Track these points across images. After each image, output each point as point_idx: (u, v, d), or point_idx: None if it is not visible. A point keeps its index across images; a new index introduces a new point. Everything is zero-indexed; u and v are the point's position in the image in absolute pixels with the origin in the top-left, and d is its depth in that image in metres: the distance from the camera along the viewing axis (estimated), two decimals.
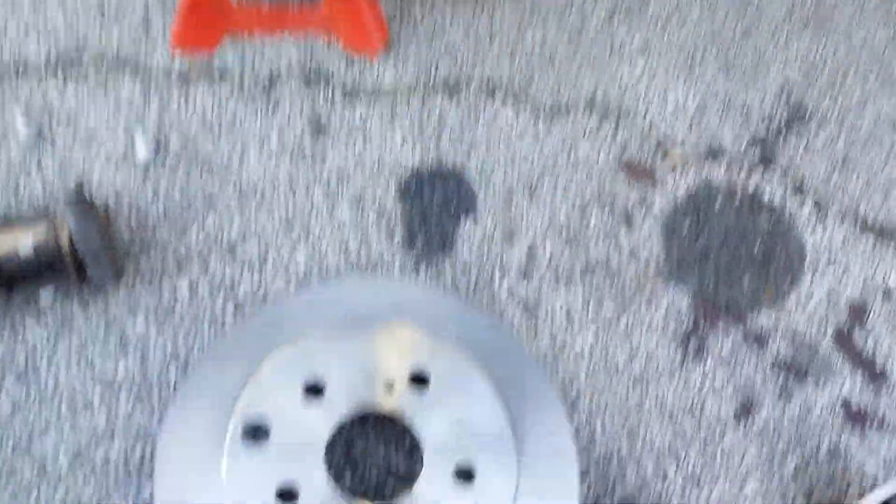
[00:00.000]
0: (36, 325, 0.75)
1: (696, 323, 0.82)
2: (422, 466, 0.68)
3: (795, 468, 0.78)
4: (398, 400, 0.70)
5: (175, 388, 0.74)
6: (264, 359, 0.71)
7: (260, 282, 0.79)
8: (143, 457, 0.72)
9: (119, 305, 0.76)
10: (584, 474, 0.75)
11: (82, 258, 0.72)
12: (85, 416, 0.72)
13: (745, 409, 0.79)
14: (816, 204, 0.89)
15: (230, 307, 0.78)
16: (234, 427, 0.68)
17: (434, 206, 0.85)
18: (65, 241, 0.72)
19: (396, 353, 0.71)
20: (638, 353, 0.80)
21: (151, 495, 0.70)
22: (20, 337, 0.74)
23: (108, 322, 0.75)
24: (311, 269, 0.80)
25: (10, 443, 0.71)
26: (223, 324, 0.77)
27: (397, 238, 0.83)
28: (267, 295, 0.79)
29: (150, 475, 0.71)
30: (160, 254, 0.79)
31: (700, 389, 0.79)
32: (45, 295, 0.74)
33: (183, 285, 0.78)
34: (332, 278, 0.80)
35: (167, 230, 0.80)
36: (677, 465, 0.76)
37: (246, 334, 0.74)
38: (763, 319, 0.83)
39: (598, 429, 0.77)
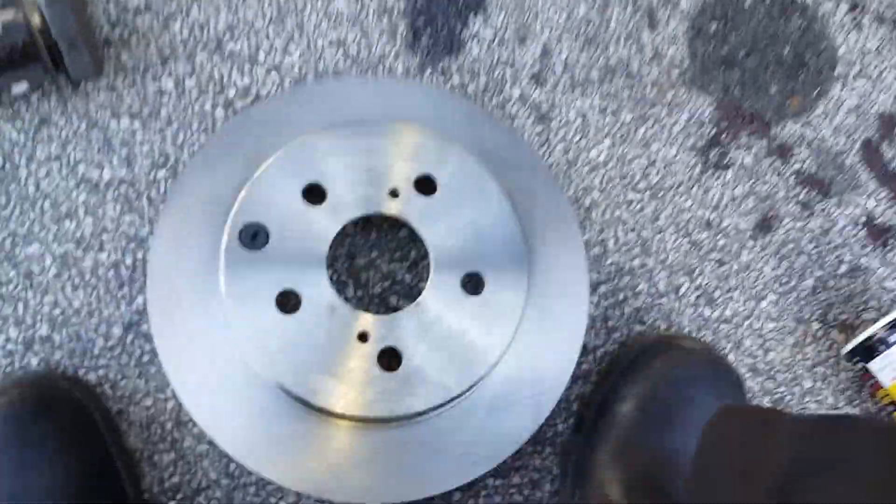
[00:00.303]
0: (11, 126, 0.69)
1: (717, 133, 0.77)
2: (427, 277, 0.65)
3: (813, 285, 0.75)
4: (403, 205, 0.66)
5: (165, 194, 0.69)
6: (261, 160, 0.66)
7: (251, 81, 0.73)
8: (134, 265, 0.68)
9: (100, 104, 0.70)
10: (594, 287, 0.72)
11: (58, 45, 0.65)
12: (70, 223, 0.68)
13: (764, 224, 0.76)
14: (852, 5, 0.82)
15: (220, 107, 0.72)
16: (232, 231, 0.64)
17: (440, 2, 0.77)
18: (37, 23, 0.65)
19: (401, 155, 0.67)
20: (655, 164, 0.76)
21: (144, 305, 0.67)
22: None
23: (89, 122, 0.70)
24: (305, 68, 0.74)
25: None
26: (213, 125, 0.71)
27: (400, 37, 0.76)
28: (259, 95, 0.73)
29: (143, 284, 0.68)
30: (142, 48, 0.72)
31: (718, 202, 0.76)
32: (18, 89, 0.67)
33: (168, 83, 0.72)
34: (330, 77, 0.74)
35: (148, 22, 0.73)
36: (691, 280, 0.74)
37: (238, 135, 0.69)
38: (788, 130, 0.78)
39: (611, 242, 0.74)
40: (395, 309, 0.69)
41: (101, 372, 0.66)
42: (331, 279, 0.64)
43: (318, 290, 0.63)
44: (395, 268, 0.71)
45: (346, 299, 0.69)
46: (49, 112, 0.69)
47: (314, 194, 0.65)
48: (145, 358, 0.67)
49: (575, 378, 0.69)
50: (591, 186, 0.75)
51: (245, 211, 0.64)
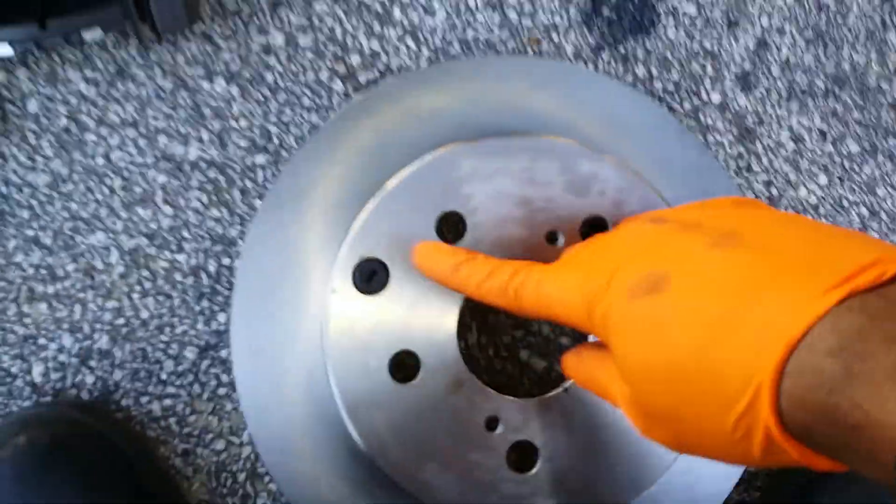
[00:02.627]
0: (80, 75, 0.55)
1: None
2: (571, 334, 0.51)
3: None
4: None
5: (263, 187, 0.55)
6: (386, 167, 0.52)
7: (380, 46, 0.57)
8: (218, 274, 0.55)
9: (191, 58, 0.55)
10: None
11: None
12: (145, 210, 0.55)
13: None
14: None
15: (338, 80, 0.57)
16: (345, 265, 0.50)
17: None
18: None
19: (569, 186, 0.51)
20: (879, 216, 0.59)
21: (227, 326, 0.55)
22: (61, 90, 0.54)
23: (175, 80, 0.55)
24: (450, 35, 0.58)
25: (50, 233, 0.54)
26: (330, 102, 0.56)
27: (575, 8, 0.59)
28: (389, 68, 0.57)
29: (227, 300, 0.55)
30: None
31: None
32: (90, 35, 0.52)
33: (278, 38, 0.56)
34: (479, 55, 0.58)
35: None
36: None
37: (359, 124, 0.54)
38: None
39: None
40: (526, 365, 0.56)
41: (167, 402, 0.55)
42: (458, 339, 0.51)
43: (442, 356, 0.50)
44: (538, 330, 0.57)
45: (476, 370, 0.55)
46: (128, 61, 0.55)
47: (450, 228, 0.51)
48: (221, 391, 0.55)
49: (738, 481, 0.56)
50: None
51: (362, 242, 0.50)
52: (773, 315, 0.29)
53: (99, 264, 0.54)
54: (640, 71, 0.59)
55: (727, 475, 0.53)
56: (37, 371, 0.54)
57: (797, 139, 0.59)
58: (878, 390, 0.26)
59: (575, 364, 0.45)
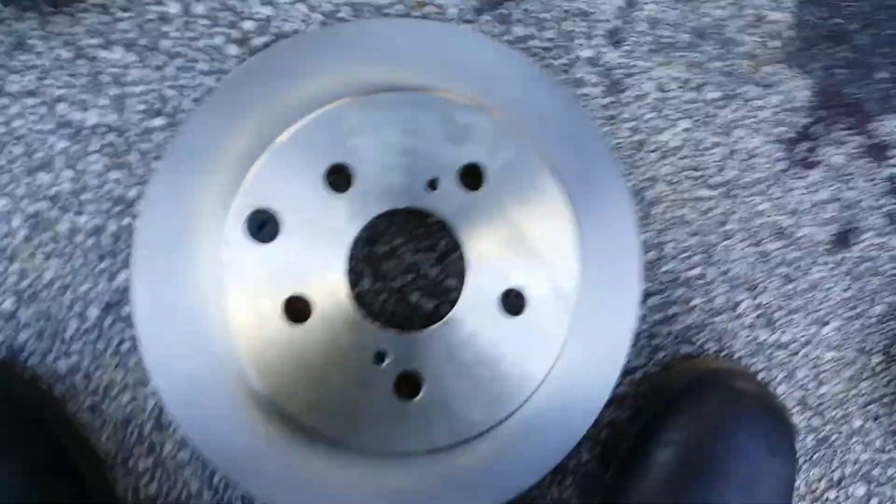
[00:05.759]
0: None
1: (810, 123, 0.66)
2: (460, 286, 0.56)
3: (882, 312, 0.66)
4: (443, 201, 0.55)
5: (160, 148, 0.58)
6: (278, 123, 0.55)
7: (273, 12, 0.60)
8: (118, 234, 0.58)
9: (88, 28, 0.58)
10: (643, 298, 0.63)
11: None
12: (46, 175, 0.57)
13: (843, 238, 0.66)
14: None
15: (233, 46, 0.60)
16: (237, 216, 0.53)
17: None
18: None
19: (448, 136, 0.55)
20: (735, 155, 0.65)
21: (128, 286, 0.57)
22: None
23: (74, 50, 0.58)
24: (339, 1, 0.61)
25: None
26: (223, 66, 0.59)
27: None
28: (281, 33, 0.60)
29: (127, 259, 0.58)
30: None
31: (797, 208, 0.65)
32: None
33: (173, 8, 0.59)
34: (368, 18, 0.61)
35: None
36: (752, 298, 0.65)
37: (253, 86, 0.57)
38: (888, 126, 0.67)
39: (670, 246, 0.64)
40: (417, 307, 0.61)
41: (73, 359, 0.57)
42: (348, 274, 0.55)
43: (332, 298, 0.54)
44: (420, 259, 0.61)
45: (365, 310, 0.59)
46: (27, 33, 0.57)
47: (338, 178, 0.55)
48: (125, 346, 0.58)
49: (609, 401, 0.61)
50: (658, 177, 0.64)
51: (254, 193, 0.54)
52: None
53: (2, 229, 0.57)
54: (519, 30, 0.63)
55: (599, 395, 0.59)
56: None
57: (662, 88, 0.64)
58: None
59: None
